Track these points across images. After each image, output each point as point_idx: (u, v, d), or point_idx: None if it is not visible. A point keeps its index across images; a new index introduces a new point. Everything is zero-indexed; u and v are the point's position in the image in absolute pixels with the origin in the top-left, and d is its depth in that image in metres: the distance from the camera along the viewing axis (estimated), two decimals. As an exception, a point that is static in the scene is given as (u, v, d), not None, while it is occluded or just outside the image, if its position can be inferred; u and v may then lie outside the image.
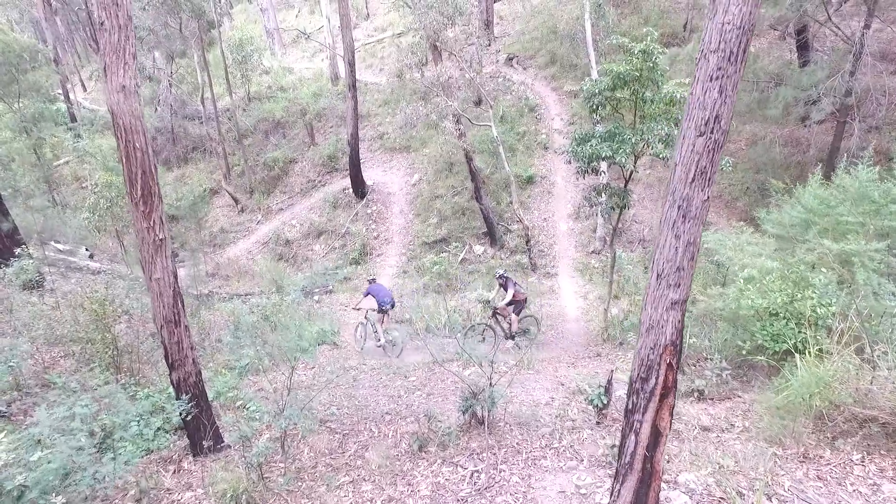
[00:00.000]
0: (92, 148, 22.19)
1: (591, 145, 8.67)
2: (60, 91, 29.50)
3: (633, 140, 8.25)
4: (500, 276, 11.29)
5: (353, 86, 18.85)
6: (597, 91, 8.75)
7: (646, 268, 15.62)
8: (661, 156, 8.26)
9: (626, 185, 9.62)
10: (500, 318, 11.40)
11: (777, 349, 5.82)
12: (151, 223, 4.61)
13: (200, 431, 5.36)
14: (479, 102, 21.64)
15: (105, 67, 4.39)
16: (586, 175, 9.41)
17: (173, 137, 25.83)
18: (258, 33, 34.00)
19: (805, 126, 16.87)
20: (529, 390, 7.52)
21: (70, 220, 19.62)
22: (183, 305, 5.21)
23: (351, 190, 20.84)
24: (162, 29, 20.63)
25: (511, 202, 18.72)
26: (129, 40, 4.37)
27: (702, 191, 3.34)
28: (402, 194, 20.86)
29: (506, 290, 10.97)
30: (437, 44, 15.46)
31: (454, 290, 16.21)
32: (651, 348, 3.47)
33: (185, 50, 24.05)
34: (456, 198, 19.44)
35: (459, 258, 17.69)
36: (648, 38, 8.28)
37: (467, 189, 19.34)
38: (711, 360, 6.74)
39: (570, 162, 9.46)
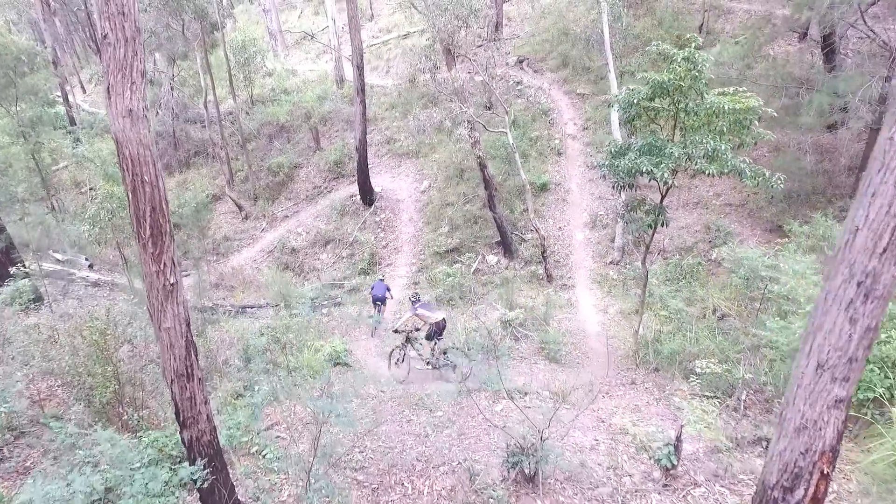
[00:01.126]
0: (91, 153, 21.54)
1: (630, 159, 8.05)
2: (59, 93, 28.88)
3: (676, 154, 7.63)
4: (411, 296, 10.99)
5: (361, 90, 18.23)
6: (634, 101, 8.12)
7: (668, 280, 15.02)
8: (707, 172, 7.64)
9: (661, 201, 9.00)
10: (415, 342, 10.80)
11: (860, 396, 5.23)
12: (161, 266, 4.00)
13: (215, 495, 4.75)
14: (489, 107, 21.03)
15: (108, 88, 3.77)
16: (622, 191, 8.78)
17: (175, 142, 25.21)
18: (261, 34, 33.37)
19: (832, 133, 16.26)
20: (567, 425, 6.92)
21: (69, 229, 19.02)
22: (196, 356, 4.59)
23: (358, 197, 20.22)
24: (164, 31, 20.01)
25: (526, 210, 18.13)
26: (136, 55, 3.75)
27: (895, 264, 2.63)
28: (411, 201, 20.24)
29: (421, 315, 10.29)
30: (451, 47, 14.84)
31: (468, 302, 15.61)
32: (801, 453, 2.81)
33: (186, 52, 23.42)
34: (467, 205, 18.82)
35: (472, 269, 17.08)
36: (693, 44, 7.65)
37: (479, 197, 18.73)
38: (778, 401, 6.15)
39: (604, 177, 8.85)
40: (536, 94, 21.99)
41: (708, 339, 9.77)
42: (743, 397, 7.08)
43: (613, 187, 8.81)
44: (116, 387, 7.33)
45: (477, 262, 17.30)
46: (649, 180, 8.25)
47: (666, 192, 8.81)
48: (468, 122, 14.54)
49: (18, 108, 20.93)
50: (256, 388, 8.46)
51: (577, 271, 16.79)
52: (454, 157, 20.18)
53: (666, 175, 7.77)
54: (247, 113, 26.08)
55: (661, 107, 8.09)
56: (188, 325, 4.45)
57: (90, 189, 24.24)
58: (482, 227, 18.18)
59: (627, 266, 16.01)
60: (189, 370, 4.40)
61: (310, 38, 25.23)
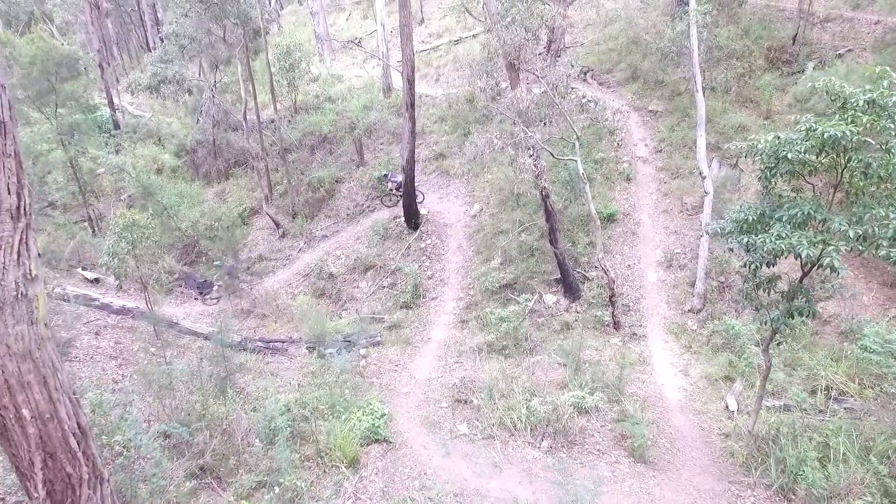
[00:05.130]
0: (127, 164, 20.73)
1: (777, 236, 6.00)
2: (105, 96, 28.48)
3: (851, 233, 5.56)
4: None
5: (411, 105, 16.58)
6: (787, 154, 6.04)
7: (758, 343, 12.67)
8: (893, 259, 5.53)
9: (802, 279, 6.85)
10: None
11: None
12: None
13: None
14: (546, 121, 19.00)
15: None
16: (760, 283, 6.54)
17: (214, 150, 24.23)
18: (307, 37, 32.29)
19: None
20: None
21: (101, 244, 18.15)
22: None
23: (403, 219, 18.58)
24: (205, 37, 18.93)
25: (591, 243, 16.09)
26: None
27: None
28: (459, 226, 18.47)
29: None
30: (516, 62, 12.98)
31: (523, 351, 13.71)
32: None
33: (229, 57, 22.34)
34: (524, 235, 16.89)
35: (527, 309, 15.15)
36: (887, 80, 5.55)
37: (537, 226, 16.78)
38: None
39: (731, 250, 6.81)
40: (602, 110, 19.84)
41: (848, 449, 7.56)
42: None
43: (746, 265, 6.72)
44: None
45: (533, 300, 15.36)
46: (798, 259, 6.17)
47: (810, 270, 6.66)
48: (532, 147, 12.62)
49: (59, 114, 20.33)
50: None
51: (650, 319, 14.63)
52: (509, 178, 18.29)
53: (836, 263, 5.70)
54: (289, 121, 24.90)
55: (819, 163, 6.01)
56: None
57: (129, 196, 23.57)
58: (539, 260, 16.23)
59: (712, 320, 13.73)
60: None
61: (356, 45, 23.84)
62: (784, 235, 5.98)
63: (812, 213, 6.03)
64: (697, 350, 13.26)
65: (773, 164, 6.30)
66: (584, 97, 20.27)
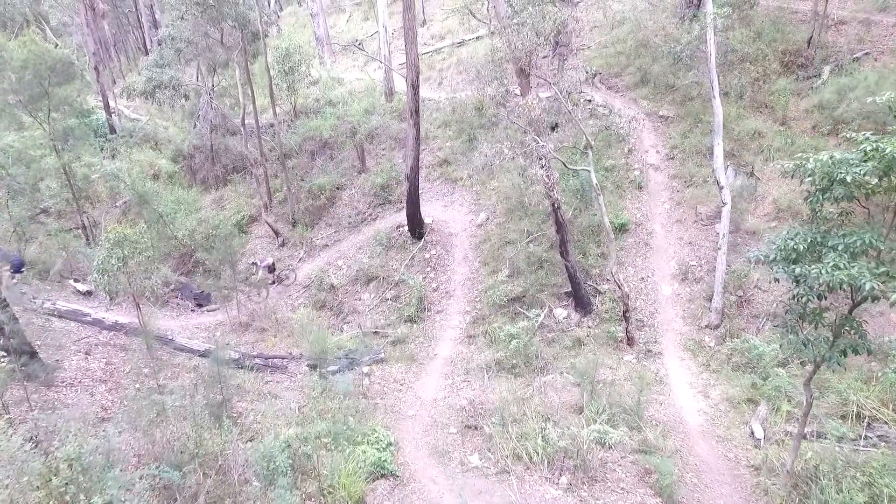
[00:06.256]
0: (122, 170, 20.13)
1: (834, 265, 5.38)
2: (101, 99, 27.82)
3: (919, 269, 4.97)
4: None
5: (415, 111, 15.98)
6: (845, 177, 5.43)
7: (782, 364, 12.03)
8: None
9: (852, 310, 6.24)
10: None
11: None
12: None
13: None
14: (554, 127, 18.39)
15: None
16: (805, 315, 5.88)
17: (212, 156, 23.60)
18: (307, 39, 31.67)
19: None
20: None
21: (93, 254, 17.55)
22: None
23: (406, 228, 17.98)
24: (202, 40, 18.32)
25: (602, 255, 15.52)
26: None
27: None
28: (465, 236, 17.88)
29: None
30: (526, 68, 12.38)
31: (534, 370, 13.12)
32: None
33: (227, 60, 21.74)
34: (532, 245, 16.29)
35: (537, 324, 14.56)
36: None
37: (546, 236, 16.20)
38: None
39: (777, 280, 6.21)
40: (611, 115, 19.21)
41: None
42: None
43: (794, 298, 6.11)
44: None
45: (543, 315, 14.77)
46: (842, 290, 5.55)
47: (861, 301, 6.05)
48: (544, 157, 12.03)
49: (52, 119, 19.71)
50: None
51: (665, 335, 14.05)
52: (516, 185, 17.70)
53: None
54: (288, 125, 24.28)
55: (879, 186, 5.41)
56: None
57: (124, 203, 22.97)
58: (549, 272, 15.63)
59: (731, 337, 13.14)
60: None
61: (357, 47, 23.24)
62: (842, 266, 5.37)
63: (874, 241, 5.42)
64: (716, 369, 12.68)
65: (826, 186, 5.71)
66: (590, 100, 19.64)
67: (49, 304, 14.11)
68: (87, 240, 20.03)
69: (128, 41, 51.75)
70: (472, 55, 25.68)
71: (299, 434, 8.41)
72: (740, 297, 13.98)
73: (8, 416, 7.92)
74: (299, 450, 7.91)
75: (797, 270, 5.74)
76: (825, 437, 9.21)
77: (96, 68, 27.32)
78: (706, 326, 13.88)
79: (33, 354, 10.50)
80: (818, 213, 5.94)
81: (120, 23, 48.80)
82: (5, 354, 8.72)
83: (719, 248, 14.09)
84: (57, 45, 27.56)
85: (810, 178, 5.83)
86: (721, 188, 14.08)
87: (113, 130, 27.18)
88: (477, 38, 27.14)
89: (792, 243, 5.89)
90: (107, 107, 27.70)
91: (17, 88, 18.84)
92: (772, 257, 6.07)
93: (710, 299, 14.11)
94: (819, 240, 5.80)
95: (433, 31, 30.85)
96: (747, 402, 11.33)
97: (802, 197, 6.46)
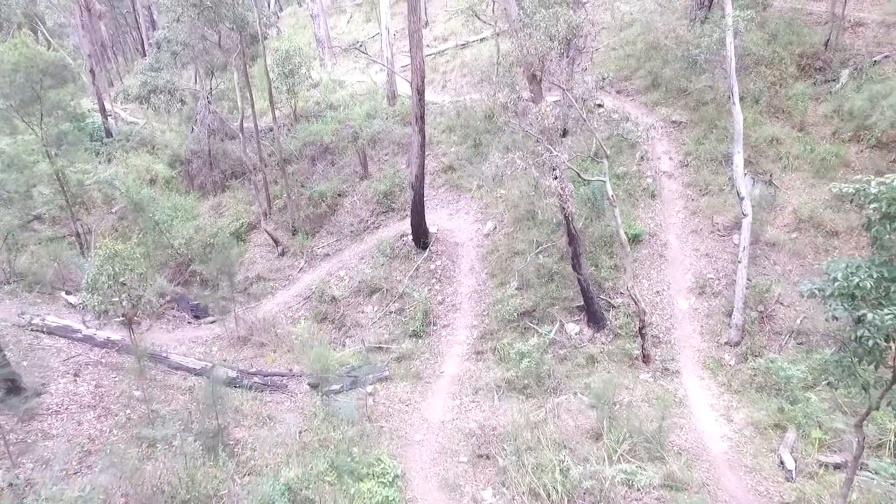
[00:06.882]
0: (118, 177, 19.52)
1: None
2: (97, 102, 27.19)
3: None
4: None
5: (420, 117, 15.38)
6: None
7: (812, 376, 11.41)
8: None
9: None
10: None
11: None
12: None
13: None
14: (564, 133, 17.81)
15: None
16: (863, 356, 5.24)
17: (210, 161, 22.99)
18: (307, 41, 31.06)
19: None
20: None
21: (86, 264, 16.95)
22: None
23: (410, 238, 17.37)
24: (199, 42, 17.70)
25: (615, 266, 14.90)
26: None
27: None
28: (472, 246, 17.25)
29: None
30: (538, 73, 11.77)
31: (546, 389, 12.50)
32: None
33: (225, 63, 21.12)
34: (542, 257, 15.67)
35: (548, 340, 13.94)
36: None
37: (557, 247, 15.59)
38: None
39: (832, 318, 5.54)
40: (621, 121, 18.59)
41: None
42: None
43: (857, 340, 5.46)
44: None
45: (554, 331, 14.15)
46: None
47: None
48: (557, 167, 11.42)
49: (44, 124, 19.10)
50: None
51: (682, 351, 13.43)
52: (524, 193, 17.09)
53: None
54: (288, 129, 23.66)
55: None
56: None
57: (120, 209, 22.36)
58: (560, 285, 15.01)
59: (753, 355, 12.51)
60: None
61: (359, 49, 22.57)
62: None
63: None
64: (738, 390, 12.06)
65: (895, 215, 5.08)
66: (601, 105, 19.02)
67: (38, 319, 13.49)
68: (81, 248, 19.42)
69: (126, 42, 51.17)
70: (476, 57, 25.10)
71: (300, 476, 7.75)
72: (761, 312, 13.36)
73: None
74: (300, 493, 7.29)
75: (869, 316, 5.05)
76: (865, 468, 8.60)
77: (92, 71, 26.68)
78: (725, 343, 13.26)
79: (14, 384, 9.80)
80: (883, 244, 5.30)
81: (118, 24, 48.21)
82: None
83: (739, 262, 13.48)
84: (51, 47, 26.97)
85: (875, 206, 5.20)
86: (741, 199, 13.48)
87: (109, 134, 26.55)
88: (481, 39, 26.54)
89: (856, 279, 5.23)
90: (103, 110, 27.07)
91: (8, 92, 18.22)
92: (828, 292, 5.43)
93: (729, 314, 13.49)
94: (886, 275, 5.14)
95: (436, 33, 30.23)
96: (774, 428, 10.71)
97: (861, 224, 5.84)
